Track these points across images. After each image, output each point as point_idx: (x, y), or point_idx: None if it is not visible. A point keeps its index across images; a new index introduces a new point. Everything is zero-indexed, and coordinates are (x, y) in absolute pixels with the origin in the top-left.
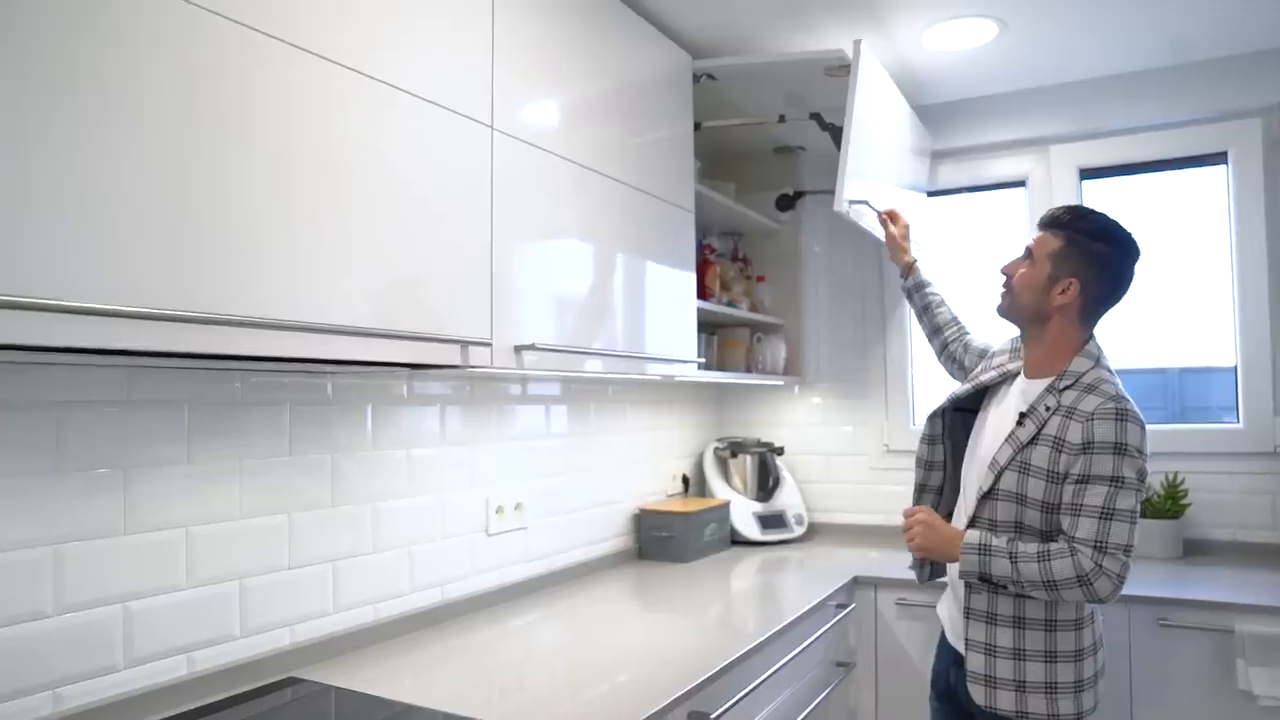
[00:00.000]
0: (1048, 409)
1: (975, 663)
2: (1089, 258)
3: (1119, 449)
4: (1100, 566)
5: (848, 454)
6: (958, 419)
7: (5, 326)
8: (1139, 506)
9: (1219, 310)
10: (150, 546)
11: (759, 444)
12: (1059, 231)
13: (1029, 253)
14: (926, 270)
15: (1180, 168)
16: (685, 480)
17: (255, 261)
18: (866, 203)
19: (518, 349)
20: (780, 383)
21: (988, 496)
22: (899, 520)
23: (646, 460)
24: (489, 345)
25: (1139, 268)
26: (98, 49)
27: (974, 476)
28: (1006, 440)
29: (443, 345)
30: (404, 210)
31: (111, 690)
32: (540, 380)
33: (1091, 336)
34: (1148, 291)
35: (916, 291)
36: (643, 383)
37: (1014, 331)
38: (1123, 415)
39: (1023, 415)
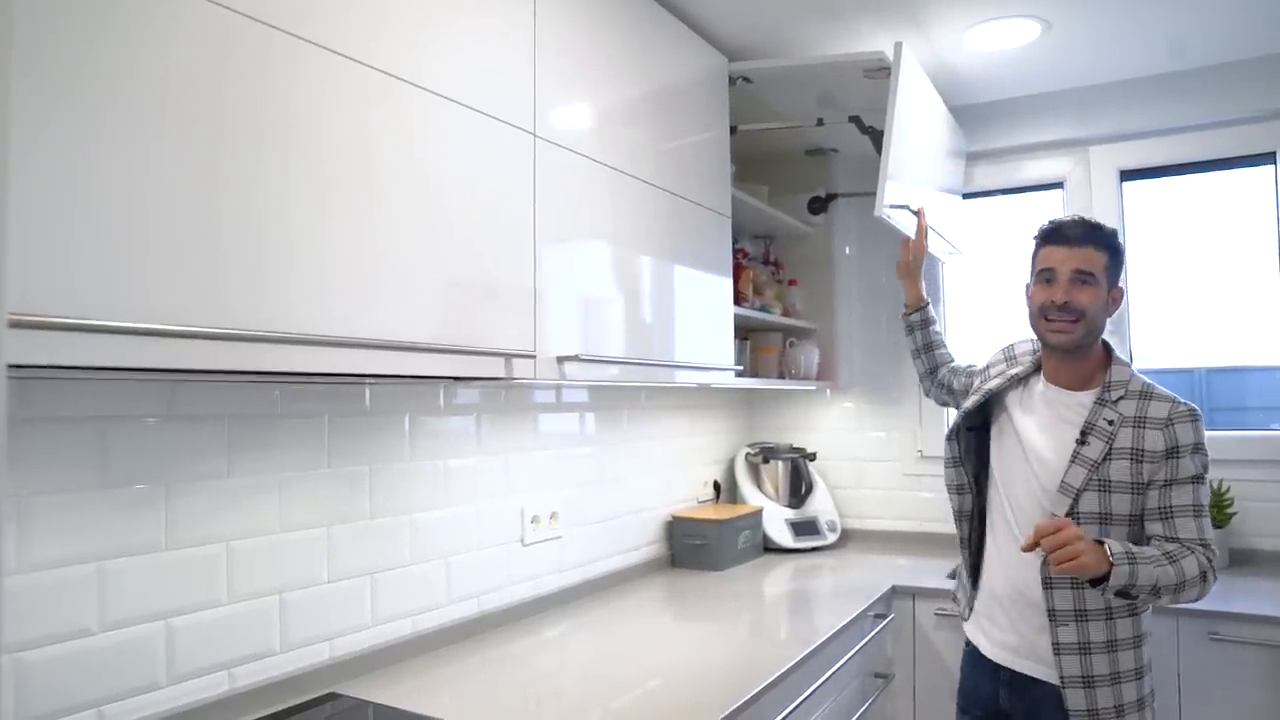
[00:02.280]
0: (1110, 423)
1: (1076, 699)
2: (1120, 261)
3: (1197, 448)
4: (1210, 561)
5: (880, 459)
6: (971, 438)
7: (39, 347)
8: None
9: (1262, 311)
10: (192, 562)
11: (791, 449)
12: (1100, 247)
13: (1087, 276)
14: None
15: (1225, 168)
16: (717, 486)
17: (292, 276)
18: (907, 207)
19: (560, 360)
20: (813, 388)
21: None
22: (932, 526)
23: (678, 466)
24: (533, 357)
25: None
26: (131, 56)
27: (1026, 501)
28: (1074, 461)
29: (486, 358)
30: (445, 220)
31: (154, 708)
32: (574, 387)
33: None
34: (1180, 292)
35: (922, 328)
36: (675, 389)
37: (997, 344)
38: (1195, 416)
39: (1083, 433)
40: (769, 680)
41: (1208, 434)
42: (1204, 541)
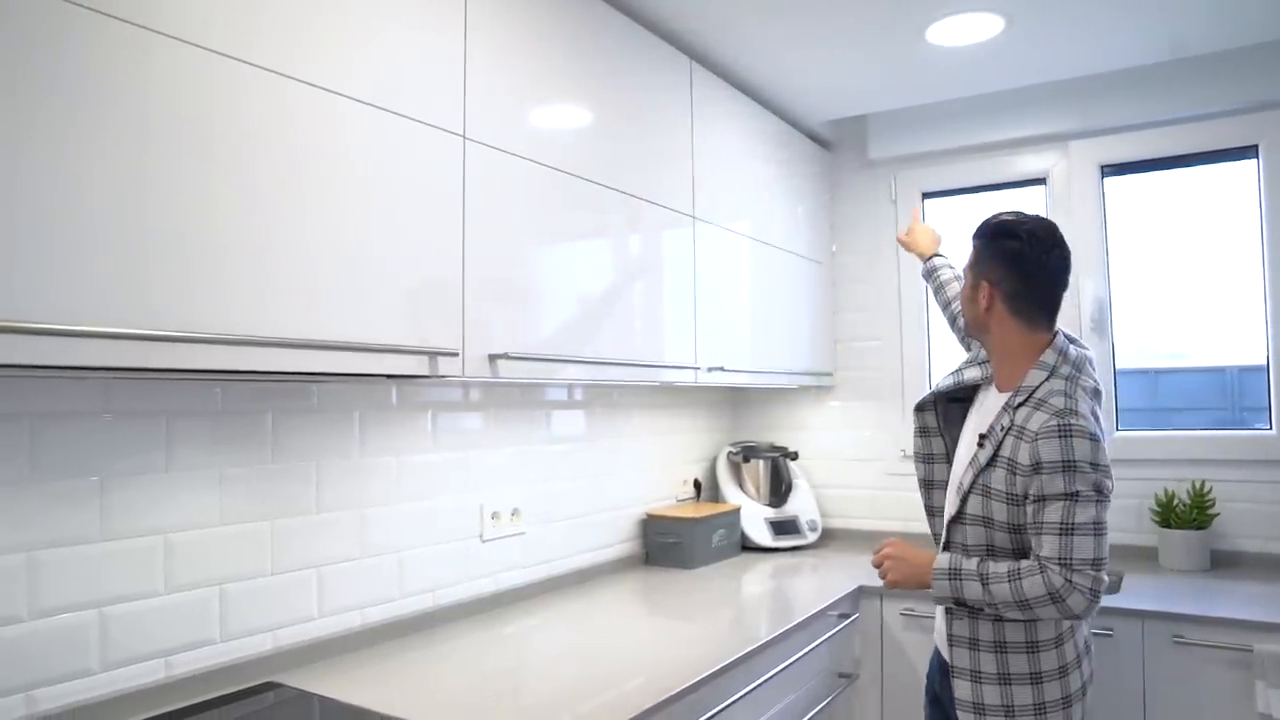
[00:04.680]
0: (1003, 429)
1: (963, 690)
2: (994, 257)
3: (1067, 466)
4: (1070, 582)
5: (864, 459)
6: (955, 410)
7: None
8: (1103, 517)
9: (1252, 309)
10: (127, 553)
11: (772, 448)
12: (973, 242)
13: (965, 273)
14: (943, 255)
15: (1207, 162)
16: (697, 485)
17: (214, 278)
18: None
19: (492, 358)
20: (794, 386)
21: (956, 520)
22: (915, 527)
23: (657, 465)
24: (457, 355)
25: (1061, 255)
26: (63, 71)
27: (949, 494)
28: (969, 463)
29: (410, 356)
30: (369, 223)
31: (86, 693)
32: (537, 385)
33: (1051, 342)
34: (1165, 289)
35: (931, 275)
36: (651, 386)
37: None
38: (1066, 431)
39: (982, 437)
40: (697, 679)
41: (1191, 434)
42: (1065, 561)
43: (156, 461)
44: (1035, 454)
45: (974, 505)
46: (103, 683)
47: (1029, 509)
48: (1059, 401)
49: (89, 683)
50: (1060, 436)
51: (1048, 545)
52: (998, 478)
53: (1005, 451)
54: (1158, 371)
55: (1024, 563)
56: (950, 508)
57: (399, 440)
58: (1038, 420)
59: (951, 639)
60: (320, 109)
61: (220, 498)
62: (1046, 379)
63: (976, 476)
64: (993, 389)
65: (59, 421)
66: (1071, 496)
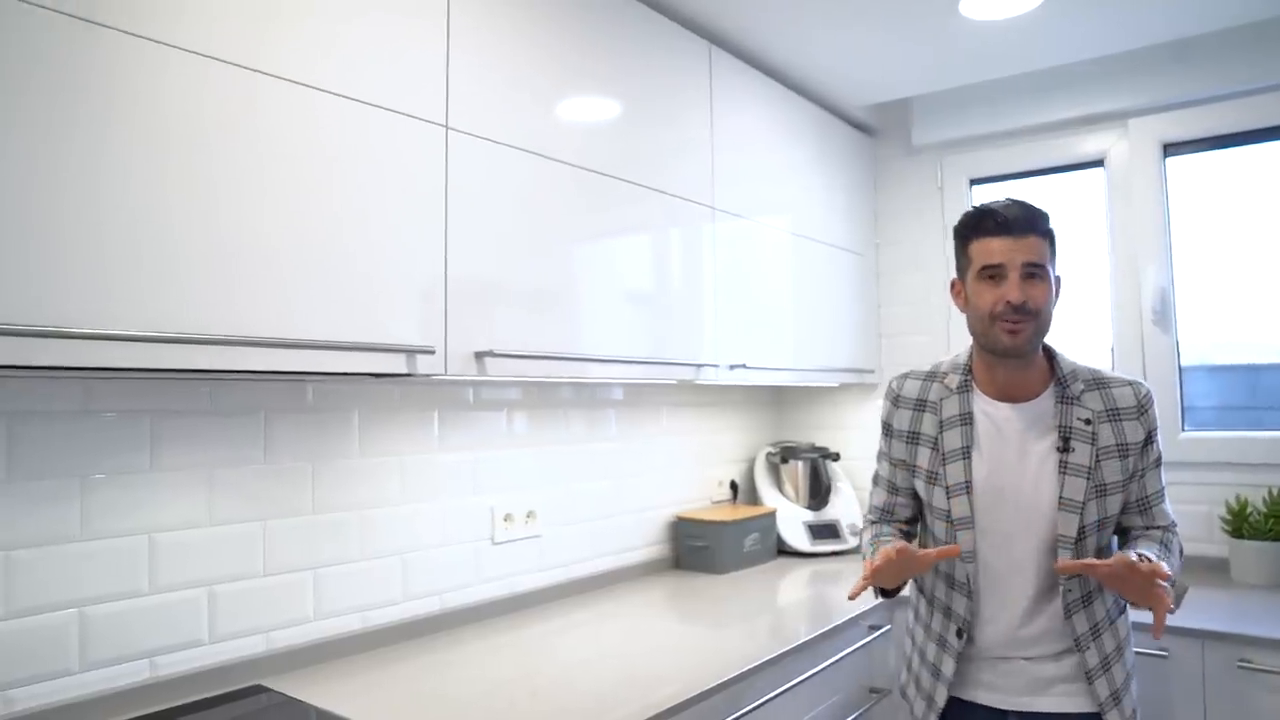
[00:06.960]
0: (1086, 422)
1: (1116, 717)
2: (1056, 246)
3: (1157, 430)
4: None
5: None
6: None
7: None
8: None
9: None
10: (109, 553)
11: (812, 449)
12: (1043, 235)
13: (1037, 269)
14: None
15: None
16: (734, 486)
17: (174, 276)
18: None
19: (478, 355)
20: (836, 384)
21: (1079, 540)
22: None
23: (691, 466)
24: (434, 353)
25: None
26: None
27: (1022, 538)
28: (1066, 474)
29: (383, 354)
30: (340, 217)
31: (65, 693)
32: (556, 384)
33: None
34: (1234, 279)
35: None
36: (684, 385)
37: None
38: (1152, 396)
39: (1064, 440)
40: (703, 689)
41: (1266, 434)
42: (1174, 525)
43: (139, 461)
44: (1149, 423)
45: (1091, 512)
46: (83, 683)
47: (1133, 486)
48: (1112, 374)
49: (68, 683)
50: (1153, 402)
51: (1161, 515)
52: (1111, 470)
53: (1107, 440)
54: (1257, 367)
55: (1154, 534)
56: (1065, 529)
57: (402, 441)
58: (1125, 394)
59: (1091, 675)
60: (289, 101)
61: (209, 498)
62: (1074, 362)
63: (1087, 480)
64: (985, 411)
65: (37, 421)
66: (1159, 460)
